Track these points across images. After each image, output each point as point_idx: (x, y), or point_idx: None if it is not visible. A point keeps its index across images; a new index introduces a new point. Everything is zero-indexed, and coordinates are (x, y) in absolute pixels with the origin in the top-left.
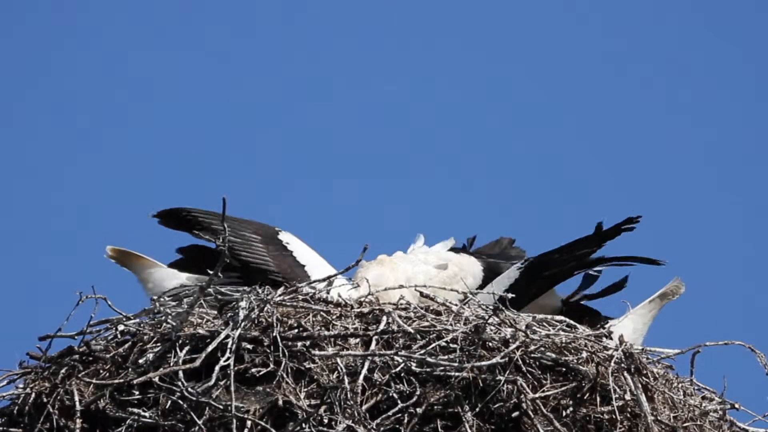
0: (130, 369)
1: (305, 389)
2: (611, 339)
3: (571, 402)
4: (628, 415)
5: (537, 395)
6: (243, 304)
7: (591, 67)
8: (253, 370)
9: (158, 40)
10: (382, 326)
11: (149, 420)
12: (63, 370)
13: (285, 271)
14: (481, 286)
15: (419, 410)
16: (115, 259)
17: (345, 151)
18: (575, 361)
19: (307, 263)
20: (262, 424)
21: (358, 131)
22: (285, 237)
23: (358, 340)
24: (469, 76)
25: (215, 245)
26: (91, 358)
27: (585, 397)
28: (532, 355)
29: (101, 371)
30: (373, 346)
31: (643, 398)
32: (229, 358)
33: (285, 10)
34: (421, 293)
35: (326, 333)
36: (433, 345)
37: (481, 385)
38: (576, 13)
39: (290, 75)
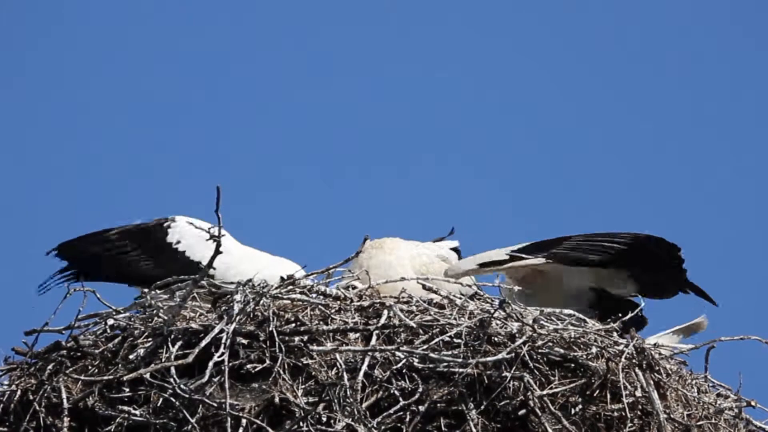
0: (119, 365)
1: (303, 386)
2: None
3: (580, 399)
4: (640, 413)
5: (545, 392)
6: (238, 297)
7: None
8: (249, 366)
9: (152, 29)
10: (383, 320)
11: (140, 418)
12: (50, 367)
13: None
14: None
15: (422, 408)
16: None
17: (344, 146)
18: (584, 356)
19: (202, 258)
20: (258, 422)
21: (357, 126)
22: (174, 235)
23: (358, 334)
24: (471, 71)
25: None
26: (79, 354)
27: (595, 395)
28: (540, 350)
29: (90, 367)
30: (373, 341)
31: (655, 395)
32: (223, 354)
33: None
34: (424, 285)
35: (325, 327)
36: (437, 340)
37: (486, 381)
38: (597, 12)
39: (289, 65)
